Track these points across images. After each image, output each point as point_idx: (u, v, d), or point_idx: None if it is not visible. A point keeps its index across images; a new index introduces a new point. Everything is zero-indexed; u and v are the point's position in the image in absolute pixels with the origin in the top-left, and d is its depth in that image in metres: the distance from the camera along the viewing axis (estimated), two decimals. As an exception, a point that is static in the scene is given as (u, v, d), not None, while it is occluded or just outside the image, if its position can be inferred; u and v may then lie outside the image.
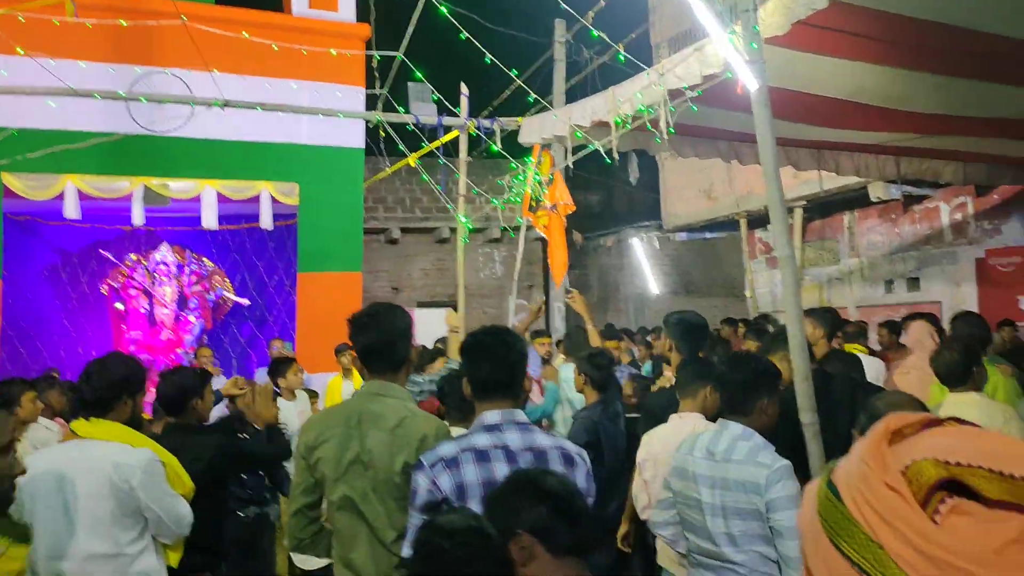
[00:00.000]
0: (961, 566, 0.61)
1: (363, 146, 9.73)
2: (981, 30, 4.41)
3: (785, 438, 3.06)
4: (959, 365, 3.45)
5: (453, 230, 14.10)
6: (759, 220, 11.91)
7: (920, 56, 4.83)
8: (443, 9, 4.72)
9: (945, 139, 6.70)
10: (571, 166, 6.46)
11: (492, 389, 2.41)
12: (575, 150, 6.33)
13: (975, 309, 9.72)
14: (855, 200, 10.45)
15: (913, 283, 10.47)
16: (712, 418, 3.30)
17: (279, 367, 6.03)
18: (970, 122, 6.04)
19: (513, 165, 6.96)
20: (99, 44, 7.97)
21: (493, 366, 2.41)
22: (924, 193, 9.92)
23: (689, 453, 2.91)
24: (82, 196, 8.38)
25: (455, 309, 7.90)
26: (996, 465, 0.63)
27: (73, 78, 6.17)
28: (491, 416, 2.38)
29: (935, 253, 10.17)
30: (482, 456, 2.28)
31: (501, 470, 2.24)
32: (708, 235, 14.10)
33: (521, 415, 2.42)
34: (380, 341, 2.63)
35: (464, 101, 6.96)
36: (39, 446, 4.37)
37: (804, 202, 10.42)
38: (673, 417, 3.63)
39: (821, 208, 10.98)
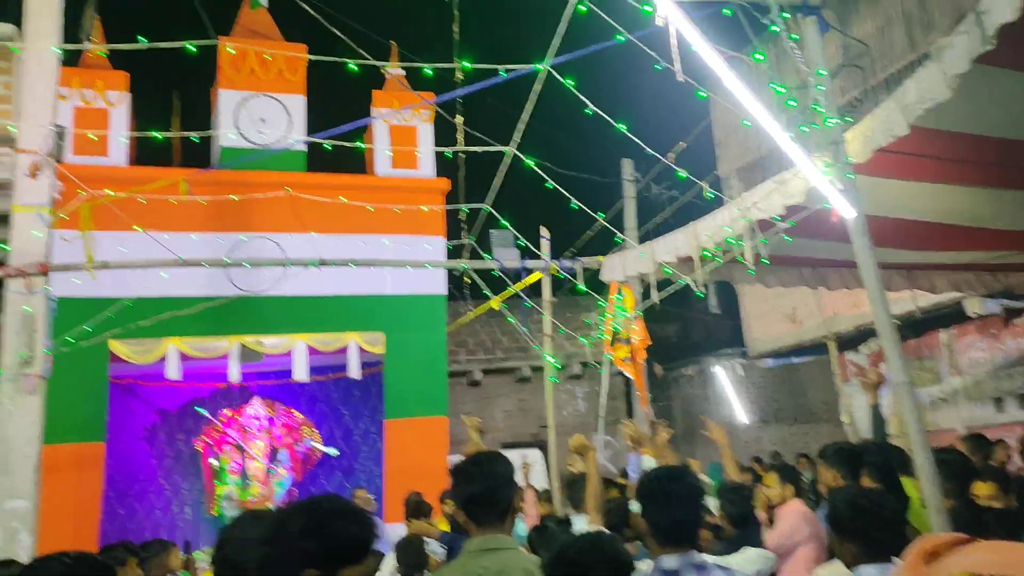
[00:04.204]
0: None
1: (445, 292, 10.00)
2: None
3: None
4: None
5: (534, 369, 14.15)
6: (848, 342, 11.57)
7: (1007, 174, 4.78)
8: (529, 162, 4.97)
9: (1043, 251, 6.50)
10: (657, 302, 6.49)
11: (674, 533, 2.34)
12: (659, 285, 6.38)
13: (1098, 425, 9.08)
14: (951, 316, 10.10)
15: (1025, 400, 9.89)
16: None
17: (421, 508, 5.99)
18: (1069, 232, 5.86)
19: (601, 303, 7.04)
20: (204, 215, 8.57)
21: (677, 511, 2.35)
22: (1025, 306, 9.54)
23: None
24: (182, 357, 8.77)
25: (542, 449, 7.81)
26: (1018, 572, 0.66)
27: (181, 249, 6.62)
28: (668, 561, 2.31)
29: (1045, 367, 9.64)
30: None
31: None
32: (795, 360, 13.74)
33: (698, 556, 2.33)
34: (484, 490, 2.54)
35: (545, 244, 7.14)
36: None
37: (897, 322, 10.10)
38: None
39: (915, 327, 10.64)
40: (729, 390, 15.51)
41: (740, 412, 15.43)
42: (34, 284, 5.25)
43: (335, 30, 7.60)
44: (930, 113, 3.65)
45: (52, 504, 6.51)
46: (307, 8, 7.59)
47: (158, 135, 5.03)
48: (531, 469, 8.50)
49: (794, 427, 15.20)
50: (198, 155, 10.25)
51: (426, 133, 10.15)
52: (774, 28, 3.07)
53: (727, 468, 5.36)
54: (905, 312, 9.68)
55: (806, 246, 5.67)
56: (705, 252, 5.30)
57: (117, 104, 8.83)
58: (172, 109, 10.07)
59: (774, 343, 12.87)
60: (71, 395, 7.75)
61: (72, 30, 8.48)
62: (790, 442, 15.02)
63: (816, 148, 3.81)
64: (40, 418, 5.15)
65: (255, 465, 10.61)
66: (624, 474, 7.49)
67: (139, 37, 3.81)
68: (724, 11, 3.16)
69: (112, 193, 5.19)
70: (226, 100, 9.28)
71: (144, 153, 9.47)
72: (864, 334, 11.07)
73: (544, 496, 7.58)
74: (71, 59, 8.34)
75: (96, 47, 8.22)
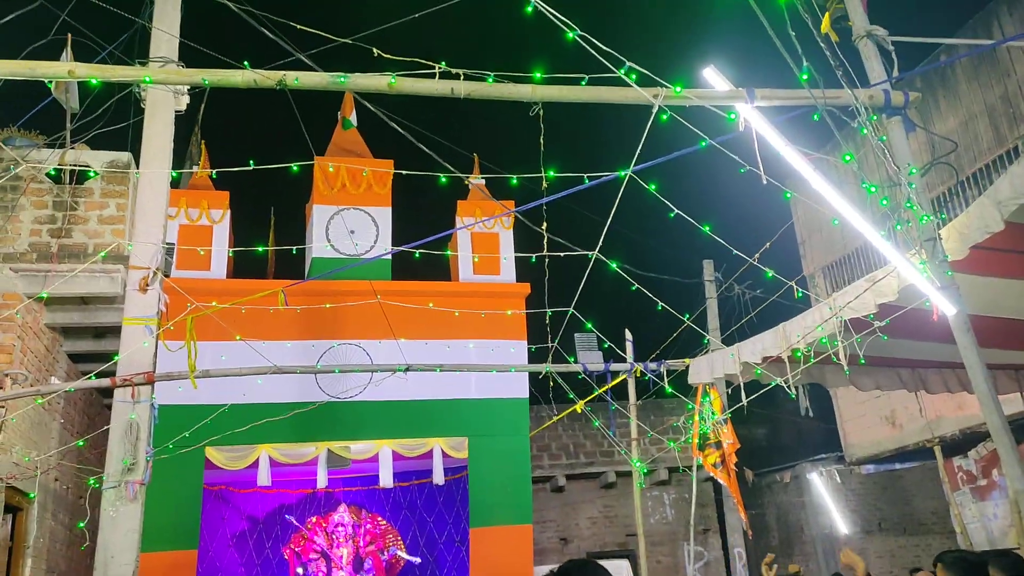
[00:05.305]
0: None
1: (528, 396, 9.97)
2: None
3: None
4: None
5: (619, 474, 13.78)
6: (954, 446, 10.93)
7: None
8: (613, 265, 5.03)
9: None
10: (746, 404, 6.32)
11: None
12: (747, 387, 6.22)
13: None
14: (1066, 417, 9.44)
15: None
16: None
17: None
18: None
19: (690, 406, 6.91)
20: (296, 324, 8.91)
21: None
22: None
23: None
24: (272, 463, 8.93)
25: (630, 559, 7.50)
26: None
27: (275, 356, 6.85)
28: None
29: None
30: None
31: None
32: (898, 466, 12.99)
33: None
34: None
35: (629, 347, 7.10)
36: None
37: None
38: None
39: (1025, 428, 9.99)
40: (827, 498, 14.72)
41: (840, 522, 14.57)
42: (140, 393, 5.48)
43: (422, 146, 8.01)
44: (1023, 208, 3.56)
45: (145, 612, 6.57)
46: (395, 126, 8.03)
47: (260, 249, 5.32)
48: None
49: (902, 538, 14.25)
50: (290, 266, 10.75)
51: (507, 239, 10.39)
52: (864, 131, 3.09)
53: None
54: (1016, 413, 9.11)
55: (902, 347, 5.49)
56: (796, 352, 5.18)
57: (219, 221, 9.39)
58: (269, 224, 10.63)
59: (873, 448, 12.24)
60: (167, 502, 7.93)
61: (180, 153, 9.18)
62: (899, 555, 14.05)
63: (908, 245, 3.73)
64: (139, 525, 5.27)
65: (340, 575, 10.52)
66: None
67: (250, 161, 4.10)
68: (813, 117, 3.20)
69: (217, 304, 5.46)
70: (319, 214, 9.75)
71: (241, 265, 9.98)
72: (971, 438, 10.44)
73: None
74: (178, 180, 8.97)
75: (205, 171, 8.83)
